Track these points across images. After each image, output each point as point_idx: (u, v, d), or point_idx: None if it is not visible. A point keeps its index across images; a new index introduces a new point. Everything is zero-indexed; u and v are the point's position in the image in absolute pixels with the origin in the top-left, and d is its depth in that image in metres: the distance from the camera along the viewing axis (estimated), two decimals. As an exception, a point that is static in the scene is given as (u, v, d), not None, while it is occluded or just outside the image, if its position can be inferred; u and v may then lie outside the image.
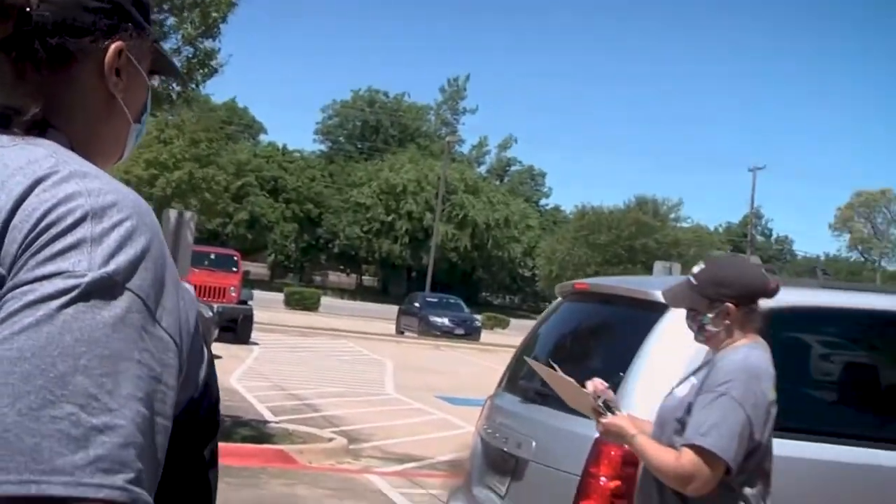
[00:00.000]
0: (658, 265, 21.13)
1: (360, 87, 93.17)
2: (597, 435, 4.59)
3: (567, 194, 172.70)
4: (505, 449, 5.49)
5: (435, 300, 47.24)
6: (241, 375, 20.49)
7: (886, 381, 5.63)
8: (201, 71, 12.96)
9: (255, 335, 30.76)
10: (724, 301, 3.91)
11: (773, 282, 4.00)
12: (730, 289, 3.92)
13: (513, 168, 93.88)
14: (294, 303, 54.22)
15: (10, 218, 1.34)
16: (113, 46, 1.56)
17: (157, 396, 1.36)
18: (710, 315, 3.94)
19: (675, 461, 3.74)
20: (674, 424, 3.88)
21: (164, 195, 41.46)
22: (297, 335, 34.81)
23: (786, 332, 5.23)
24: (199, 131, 47.52)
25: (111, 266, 1.32)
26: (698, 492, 3.72)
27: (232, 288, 30.87)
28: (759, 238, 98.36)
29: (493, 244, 76.30)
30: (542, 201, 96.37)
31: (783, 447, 4.73)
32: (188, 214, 13.34)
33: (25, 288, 1.30)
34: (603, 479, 4.63)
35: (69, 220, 1.33)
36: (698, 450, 3.67)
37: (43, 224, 1.32)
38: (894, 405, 5.40)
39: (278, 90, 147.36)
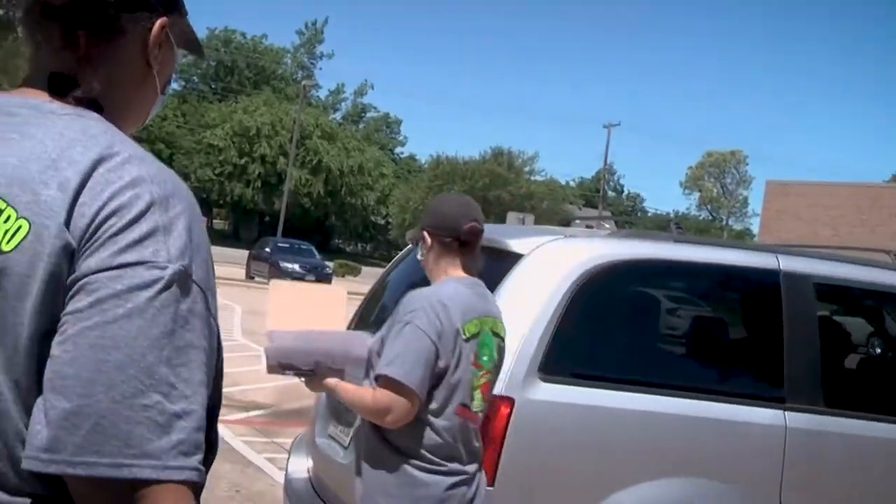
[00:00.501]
0: (511, 216, 21.27)
1: (216, 27, 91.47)
2: None
3: (423, 144, 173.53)
4: None
5: (286, 246, 46.86)
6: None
7: (736, 335, 5.64)
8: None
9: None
10: (423, 230, 4.06)
11: (466, 223, 4.01)
12: (427, 218, 4.09)
13: (368, 115, 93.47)
14: (140, 245, 52.98)
15: (79, 192, 1.45)
16: (158, 22, 1.71)
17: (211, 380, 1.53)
18: (419, 244, 4.07)
19: (370, 396, 3.76)
20: (375, 360, 3.87)
21: None
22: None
23: (637, 284, 5.19)
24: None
25: (186, 259, 1.48)
26: (396, 424, 3.75)
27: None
28: (612, 194, 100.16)
29: (347, 191, 75.95)
30: (398, 150, 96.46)
31: (632, 401, 4.72)
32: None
33: (111, 274, 1.42)
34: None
35: (139, 206, 1.46)
36: (386, 380, 3.73)
37: (112, 206, 1.45)
38: (741, 359, 5.39)
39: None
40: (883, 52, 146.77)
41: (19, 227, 1.45)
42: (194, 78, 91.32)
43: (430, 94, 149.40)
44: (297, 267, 42.72)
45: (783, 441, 4.91)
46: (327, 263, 47.02)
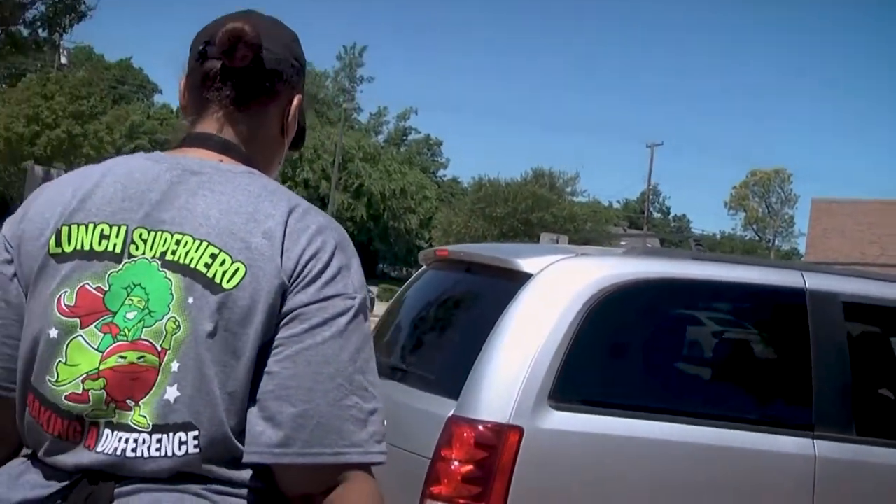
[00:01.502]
0: (545, 236, 21.01)
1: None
2: (450, 414, 4.25)
3: (465, 166, 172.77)
4: None
5: (328, 269, 46.58)
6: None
7: (760, 358, 5.34)
8: (69, 16, 12.36)
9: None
10: None
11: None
12: None
13: (410, 137, 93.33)
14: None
15: (283, 240, 1.85)
16: (297, 97, 2.12)
17: None
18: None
19: None
20: None
21: (44, 154, 40.05)
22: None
23: (653, 305, 4.92)
24: (81, 86, 45.98)
25: (364, 290, 1.90)
26: None
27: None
28: (657, 215, 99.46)
29: (390, 215, 75.71)
30: (440, 172, 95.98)
31: (649, 429, 4.45)
32: (55, 172, 12.72)
33: (318, 306, 1.83)
34: (455, 462, 4.26)
35: (329, 250, 1.87)
36: None
37: (311, 251, 1.85)
38: (766, 384, 5.09)
39: (174, 50, 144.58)
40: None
41: (237, 270, 1.83)
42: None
43: (472, 116, 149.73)
44: (338, 292, 42.45)
45: (812, 472, 4.61)
46: (371, 288, 46.74)
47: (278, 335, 1.83)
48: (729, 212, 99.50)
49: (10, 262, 1.93)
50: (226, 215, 1.87)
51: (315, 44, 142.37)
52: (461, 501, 4.19)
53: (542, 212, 62.06)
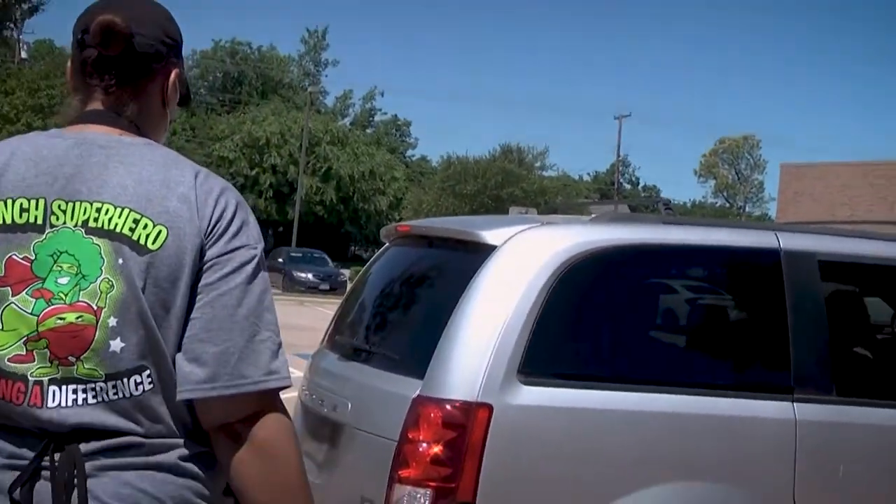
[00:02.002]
0: (513, 210, 20.80)
1: (222, 38, 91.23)
2: (416, 394, 4.13)
3: (434, 146, 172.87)
4: (322, 412, 4.96)
5: (299, 255, 46.51)
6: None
7: (735, 322, 5.19)
8: (19, 8, 12.10)
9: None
10: None
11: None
12: None
13: (377, 118, 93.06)
14: (156, 259, 52.64)
15: (195, 202, 2.08)
16: (174, 71, 2.31)
17: None
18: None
19: None
20: None
21: (7, 149, 39.42)
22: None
23: (623, 272, 4.75)
24: (40, 80, 45.54)
25: (261, 239, 2.19)
26: None
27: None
28: (627, 186, 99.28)
29: (360, 197, 75.27)
30: (409, 152, 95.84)
31: (623, 400, 4.32)
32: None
33: (228, 256, 2.09)
34: (423, 444, 4.12)
35: (232, 208, 2.13)
36: None
37: (218, 210, 2.10)
38: (743, 349, 4.94)
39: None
40: None
41: (160, 232, 2.03)
42: (202, 91, 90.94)
43: (439, 95, 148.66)
44: (310, 276, 42.35)
45: (794, 436, 4.48)
46: (342, 271, 46.53)
47: (199, 283, 2.08)
48: (699, 180, 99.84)
49: None
50: (140, 184, 2.08)
51: (279, 28, 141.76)
52: (431, 484, 4.05)
53: (511, 187, 62.11)
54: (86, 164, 2.10)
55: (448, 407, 4.11)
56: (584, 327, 4.67)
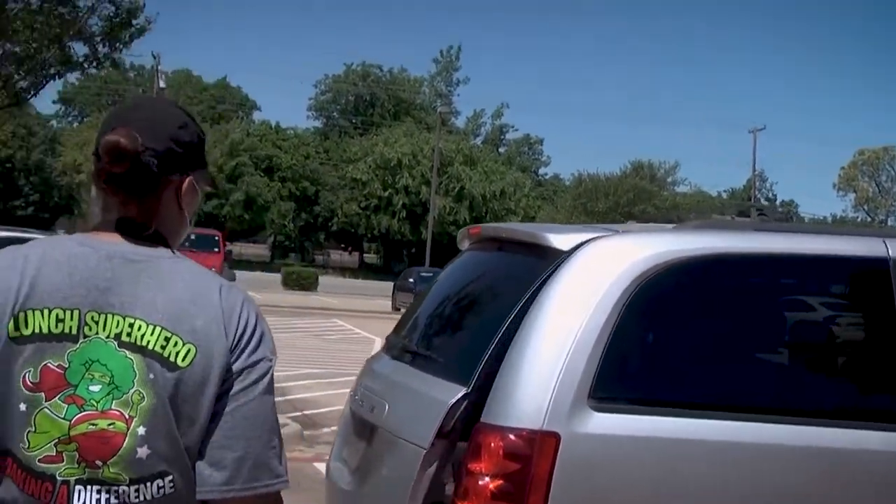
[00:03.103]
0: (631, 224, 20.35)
1: (353, 62, 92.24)
2: (454, 400, 3.89)
3: (566, 163, 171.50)
4: (362, 414, 4.74)
5: (429, 275, 46.35)
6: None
7: (841, 341, 4.64)
8: (126, 31, 12.11)
9: (243, 316, 29.84)
10: None
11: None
12: None
13: (509, 136, 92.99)
14: (292, 283, 53.40)
15: (221, 320, 2.22)
16: (187, 179, 2.41)
17: None
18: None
19: None
20: None
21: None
22: (288, 315, 33.78)
23: (710, 285, 4.27)
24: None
25: (275, 353, 2.33)
26: None
27: (213, 269, 29.67)
28: (764, 202, 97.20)
29: (492, 216, 75.18)
30: (542, 170, 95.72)
31: (710, 429, 3.86)
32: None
33: (249, 369, 2.24)
34: (484, 477, 3.75)
35: (252, 322, 2.28)
36: None
37: (241, 326, 2.25)
38: (850, 371, 4.42)
39: (271, 67, 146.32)
40: None
41: (189, 350, 2.17)
42: (334, 114, 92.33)
43: (571, 111, 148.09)
44: (440, 295, 42.13)
45: (910, 471, 3.96)
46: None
47: (222, 394, 2.21)
48: (838, 194, 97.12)
49: None
50: (170, 302, 2.20)
51: (410, 50, 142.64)
52: (492, 521, 3.67)
53: (643, 204, 61.45)
54: (117, 277, 2.22)
55: (511, 436, 3.73)
56: (664, 347, 4.20)
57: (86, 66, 12.40)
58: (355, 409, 4.92)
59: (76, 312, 2.17)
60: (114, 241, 2.30)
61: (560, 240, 4.16)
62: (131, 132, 2.28)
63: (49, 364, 2.14)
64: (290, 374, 18.03)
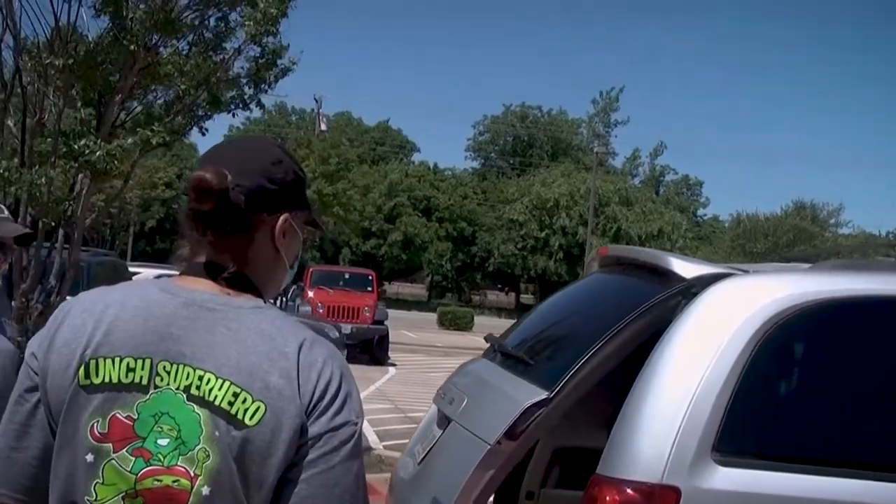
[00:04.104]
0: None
1: (512, 102, 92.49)
2: (531, 403, 3.85)
3: (726, 204, 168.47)
4: (441, 408, 4.73)
5: (585, 316, 46.00)
6: (364, 398, 19.42)
7: None
8: (271, 71, 12.22)
9: (396, 356, 30.17)
10: None
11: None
12: None
13: (667, 178, 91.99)
14: (447, 322, 53.49)
15: (298, 378, 2.07)
16: (282, 218, 2.26)
17: None
18: None
19: None
20: None
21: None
22: (439, 355, 33.80)
23: (851, 330, 3.94)
24: (329, 149, 47.26)
25: (362, 415, 2.15)
26: None
27: (366, 308, 30.25)
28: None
29: (648, 257, 74.43)
30: (700, 211, 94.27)
31: (851, 490, 3.54)
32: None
33: (329, 434, 2.07)
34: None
35: (336, 381, 2.11)
36: None
37: (321, 385, 2.09)
38: None
39: (430, 109, 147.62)
40: None
41: (258, 408, 2.04)
42: (492, 155, 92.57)
43: (730, 152, 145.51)
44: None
45: None
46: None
47: (297, 459, 2.06)
48: None
49: (36, 389, 2.15)
50: (244, 356, 2.08)
51: (570, 91, 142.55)
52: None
53: (804, 244, 59.95)
54: (192, 326, 2.12)
55: (627, 490, 3.51)
56: (798, 397, 3.91)
57: (232, 106, 12.50)
58: (437, 404, 4.88)
59: (148, 362, 2.10)
60: (196, 288, 2.20)
61: (683, 266, 4.00)
62: (219, 168, 2.19)
63: (118, 415, 2.08)
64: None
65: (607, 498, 3.51)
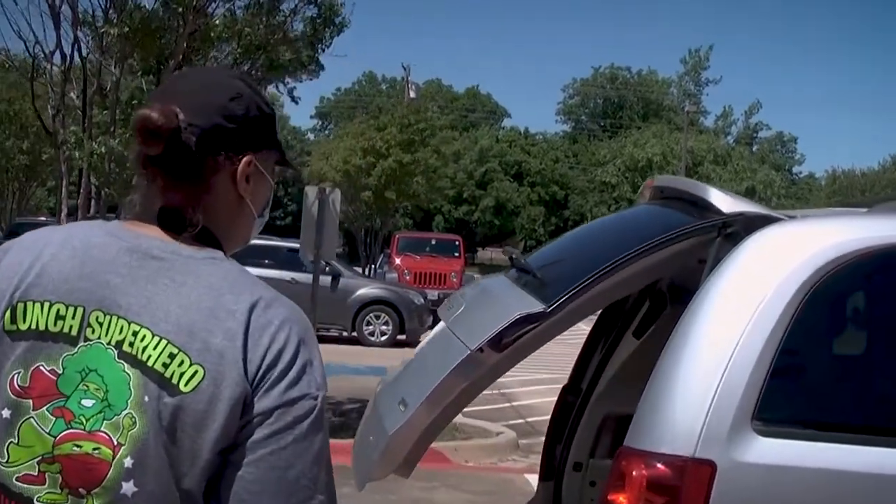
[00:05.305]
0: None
1: (601, 65, 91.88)
2: (523, 313, 3.56)
3: (822, 160, 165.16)
4: (440, 316, 4.52)
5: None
6: (449, 364, 19.17)
7: None
8: (328, 30, 11.99)
9: (486, 321, 29.90)
10: None
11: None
12: None
13: (761, 134, 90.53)
14: (542, 287, 53.32)
15: (245, 341, 1.81)
16: (244, 160, 2.01)
17: None
18: None
19: None
20: None
21: (378, 183, 41.46)
22: (532, 320, 33.53)
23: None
24: (410, 115, 47.09)
25: (324, 387, 1.89)
26: None
27: (453, 274, 30.46)
28: None
29: (742, 216, 73.61)
30: (795, 168, 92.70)
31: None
32: (331, 191, 12.31)
33: (282, 410, 1.81)
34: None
35: (293, 346, 1.84)
36: None
37: (274, 350, 1.82)
38: None
39: (520, 74, 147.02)
40: None
41: (195, 372, 1.79)
42: (583, 118, 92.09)
43: (826, 107, 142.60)
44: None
45: None
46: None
47: (242, 438, 1.82)
48: None
49: None
50: (185, 311, 1.85)
51: (659, 50, 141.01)
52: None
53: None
54: (133, 275, 1.89)
55: (657, 464, 3.15)
56: (852, 357, 3.49)
57: (290, 69, 12.28)
58: (438, 313, 4.64)
59: (80, 310, 1.87)
60: (144, 233, 1.96)
61: (721, 199, 3.66)
62: (168, 107, 1.94)
63: (42, 367, 1.85)
64: (522, 379, 17.62)
65: (634, 472, 3.14)
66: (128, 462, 1.81)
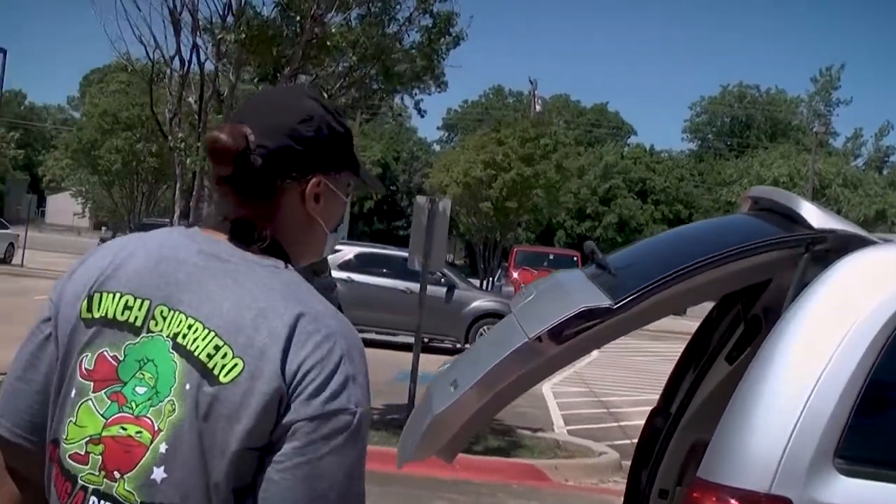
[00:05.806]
0: None
1: (730, 83, 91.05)
2: (587, 306, 3.49)
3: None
4: (511, 305, 4.45)
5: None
6: (559, 380, 19.06)
7: None
8: (444, 39, 11.95)
9: (603, 337, 29.54)
10: None
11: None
12: None
13: (892, 158, 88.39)
14: (661, 306, 52.76)
15: (288, 342, 1.87)
16: (313, 181, 2.07)
17: None
18: None
19: None
20: None
21: (499, 195, 41.58)
22: (647, 339, 32.97)
23: None
24: (531, 128, 47.11)
25: (366, 403, 1.91)
26: None
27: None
28: None
29: (874, 241, 71.90)
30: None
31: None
32: (443, 203, 12.24)
33: (320, 421, 1.84)
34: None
35: (334, 359, 1.88)
36: None
37: (314, 358, 1.87)
38: None
39: (647, 91, 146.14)
40: None
41: (235, 365, 1.86)
42: (709, 136, 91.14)
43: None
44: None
45: None
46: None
47: (280, 444, 1.86)
48: None
49: (49, 320, 2.06)
50: (238, 309, 1.92)
51: (787, 69, 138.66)
52: None
53: None
54: (200, 274, 1.99)
55: (729, 499, 2.98)
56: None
57: (405, 80, 12.26)
58: (512, 303, 4.56)
59: (146, 303, 1.97)
60: (216, 239, 2.06)
61: (813, 214, 3.54)
62: (239, 128, 2.03)
63: (105, 353, 1.96)
64: (632, 399, 17.46)
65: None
66: (163, 448, 1.87)
